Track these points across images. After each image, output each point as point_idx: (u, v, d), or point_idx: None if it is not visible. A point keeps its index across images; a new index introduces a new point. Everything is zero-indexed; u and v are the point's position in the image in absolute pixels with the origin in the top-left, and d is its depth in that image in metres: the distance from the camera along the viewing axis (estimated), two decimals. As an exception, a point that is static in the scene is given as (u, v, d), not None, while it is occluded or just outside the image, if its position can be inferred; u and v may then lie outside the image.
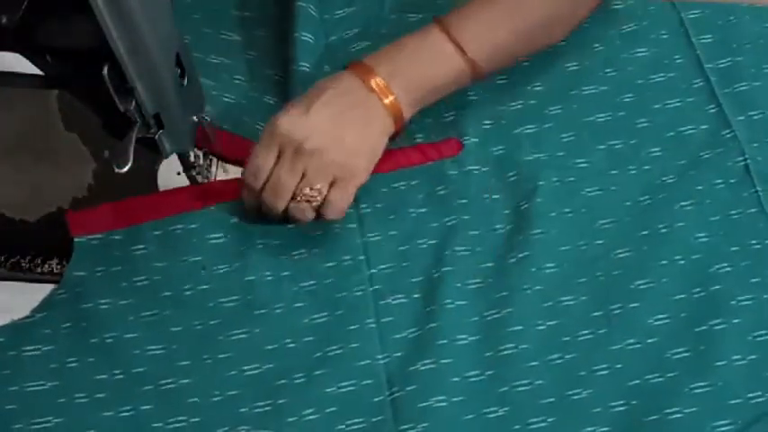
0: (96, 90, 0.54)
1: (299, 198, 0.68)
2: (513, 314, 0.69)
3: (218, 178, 0.76)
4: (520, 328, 0.69)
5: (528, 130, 0.78)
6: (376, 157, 0.70)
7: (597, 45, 0.82)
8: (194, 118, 0.67)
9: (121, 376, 0.67)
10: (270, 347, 0.68)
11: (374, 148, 0.70)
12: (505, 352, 0.68)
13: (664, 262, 0.71)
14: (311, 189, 0.68)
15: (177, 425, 0.65)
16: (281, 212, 0.69)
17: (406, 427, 0.65)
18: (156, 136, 0.61)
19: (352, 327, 0.69)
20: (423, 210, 0.74)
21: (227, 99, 0.79)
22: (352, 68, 0.70)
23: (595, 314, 0.69)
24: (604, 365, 0.67)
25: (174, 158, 0.70)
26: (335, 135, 0.67)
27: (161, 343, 0.68)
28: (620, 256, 0.72)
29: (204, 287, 0.70)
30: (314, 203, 0.69)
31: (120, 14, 0.50)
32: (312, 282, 0.71)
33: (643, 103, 0.79)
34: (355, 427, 0.65)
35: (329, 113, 0.68)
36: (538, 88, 0.80)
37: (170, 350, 0.68)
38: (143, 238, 0.72)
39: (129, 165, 0.57)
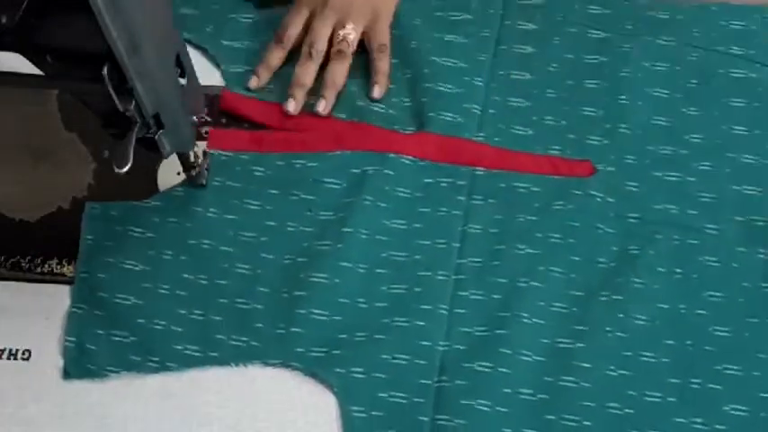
0: (96, 90, 0.54)
1: (336, 41, 0.77)
2: (586, 350, 0.68)
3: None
4: (588, 365, 0.68)
5: (669, 178, 0.76)
6: None
7: None
8: (194, 118, 0.67)
9: (204, 282, 0.71)
10: (342, 300, 0.70)
11: None
12: (565, 383, 0.67)
13: (762, 356, 0.69)
14: (344, 27, 0.77)
15: (237, 343, 0.69)
16: (314, 73, 0.77)
17: (442, 417, 0.66)
18: (156, 136, 0.61)
19: (425, 306, 0.70)
20: (532, 218, 0.74)
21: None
22: None
23: (672, 380, 0.68)
24: None
25: (174, 158, 0.70)
26: None
27: (249, 264, 0.71)
28: (719, 334, 0.70)
29: (305, 228, 0.73)
30: (350, 49, 0.77)
31: (120, 14, 0.50)
32: (403, 254, 0.72)
33: None
34: (395, 399, 0.67)
35: None
36: (695, 140, 0.78)
37: (255, 273, 0.71)
38: (266, 163, 0.75)
39: (129, 165, 0.57)
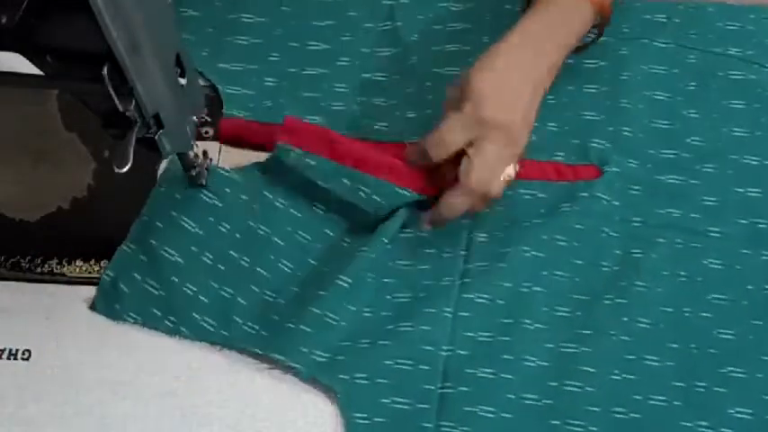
0: (96, 90, 0.54)
1: (503, 179, 0.69)
2: (590, 355, 0.68)
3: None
4: (592, 370, 0.68)
5: (671, 181, 0.76)
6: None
7: None
8: (194, 118, 0.67)
9: (245, 264, 0.71)
10: (349, 307, 0.70)
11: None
12: (570, 388, 0.67)
13: (766, 358, 0.68)
14: (511, 167, 0.69)
15: (250, 330, 0.69)
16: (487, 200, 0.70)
17: (446, 424, 0.66)
18: (156, 136, 0.61)
19: (429, 310, 0.70)
20: (538, 221, 0.74)
21: (265, 104, 0.79)
22: None
23: (676, 384, 0.67)
24: None
25: (173, 158, 0.70)
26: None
27: (293, 264, 0.72)
28: (723, 336, 0.69)
29: (346, 242, 0.73)
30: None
31: (120, 14, 0.50)
32: (408, 263, 0.72)
33: None
34: (399, 405, 0.66)
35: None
36: (697, 143, 0.78)
37: (294, 275, 0.72)
38: (333, 178, 0.73)
39: (129, 165, 0.57)
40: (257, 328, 0.69)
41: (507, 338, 0.69)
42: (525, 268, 0.71)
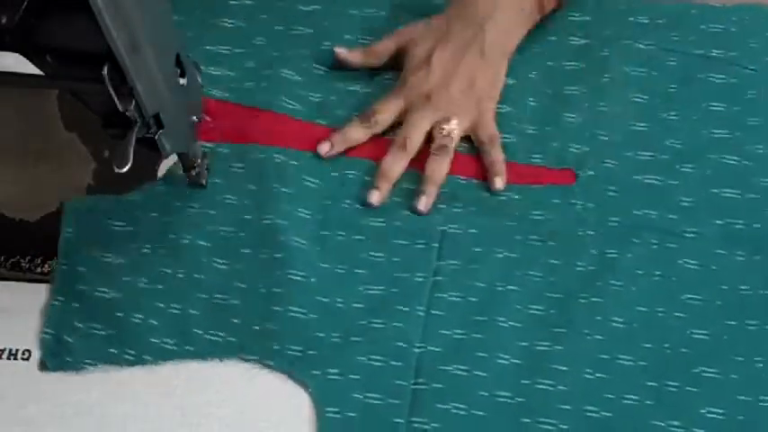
0: (96, 90, 0.54)
1: (439, 136, 0.75)
2: (563, 353, 0.68)
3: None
4: (565, 368, 0.67)
5: (649, 181, 0.76)
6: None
7: (753, 119, 0.79)
8: (194, 118, 0.67)
9: (182, 276, 0.71)
10: (320, 299, 0.70)
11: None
12: (542, 386, 0.67)
13: (740, 359, 0.68)
14: (449, 123, 0.76)
15: (214, 338, 0.69)
16: (404, 166, 0.75)
17: (418, 420, 0.65)
18: (156, 136, 0.61)
19: (402, 308, 0.69)
20: (511, 223, 0.74)
21: (248, 84, 0.80)
22: None
23: (649, 383, 0.67)
24: None
25: (174, 158, 0.70)
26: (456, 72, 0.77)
27: (227, 259, 0.71)
28: (696, 336, 0.69)
29: (281, 222, 0.72)
30: (453, 144, 0.76)
31: (120, 14, 0.50)
32: (381, 254, 0.72)
33: None
34: (371, 401, 0.66)
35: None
36: (677, 145, 0.78)
37: (232, 269, 0.71)
38: (245, 157, 0.75)
39: (129, 165, 0.57)
40: (222, 335, 0.69)
41: (481, 336, 0.69)
42: (499, 269, 0.72)
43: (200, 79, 0.65)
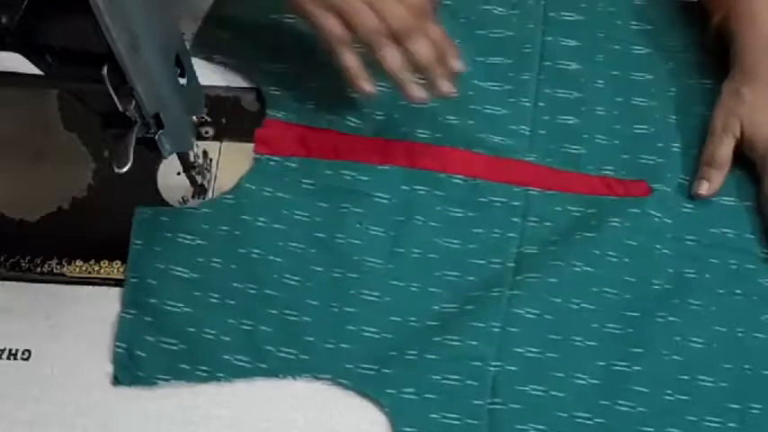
0: (96, 90, 0.54)
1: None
2: (642, 374, 0.67)
3: (218, 178, 0.76)
4: (645, 390, 0.66)
5: (725, 202, 0.74)
6: None
7: None
8: (194, 118, 0.67)
9: (254, 292, 0.70)
10: (393, 318, 0.69)
11: None
12: (622, 408, 0.66)
13: None
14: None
15: (285, 355, 0.68)
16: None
17: None
18: (156, 136, 0.61)
19: (478, 324, 0.69)
20: (590, 234, 0.72)
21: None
22: None
23: (731, 406, 0.66)
24: None
25: (173, 158, 0.70)
26: None
27: (298, 276, 0.71)
28: None
29: (355, 241, 0.72)
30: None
31: (120, 14, 0.50)
32: (456, 273, 0.71)
33: None
34: (449, 421, 0.66)
35: None
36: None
37: (304, 286, 0.70)
38: (314, 173, 0.74)
39: (129, 165, 0.57)
40: (295, 352, 0.68)
41: (556, 355, 0.68)
42: (575, 284, 0.70)
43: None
